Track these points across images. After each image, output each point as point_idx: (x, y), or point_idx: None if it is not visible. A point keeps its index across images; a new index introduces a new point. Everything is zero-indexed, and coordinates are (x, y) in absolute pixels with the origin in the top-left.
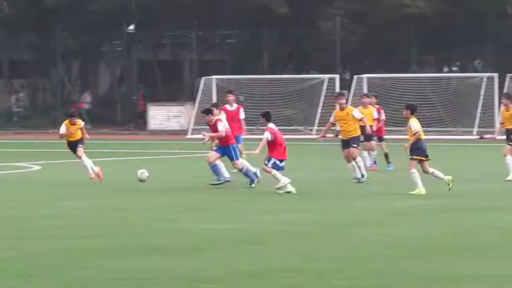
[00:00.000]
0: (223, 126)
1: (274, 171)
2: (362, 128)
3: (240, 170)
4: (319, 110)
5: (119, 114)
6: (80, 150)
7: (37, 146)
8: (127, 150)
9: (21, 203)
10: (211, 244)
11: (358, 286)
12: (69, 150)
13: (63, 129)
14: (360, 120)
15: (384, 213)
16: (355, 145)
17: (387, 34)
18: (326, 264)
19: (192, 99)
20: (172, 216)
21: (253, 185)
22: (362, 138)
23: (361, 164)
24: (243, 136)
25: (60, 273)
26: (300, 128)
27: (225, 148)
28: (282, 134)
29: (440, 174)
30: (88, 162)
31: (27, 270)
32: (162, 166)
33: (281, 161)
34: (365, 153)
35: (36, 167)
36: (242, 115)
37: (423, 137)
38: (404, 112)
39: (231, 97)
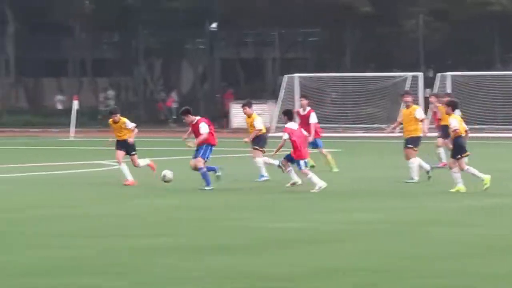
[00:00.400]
0: (206, 127)
1: (311, 174)
2: (444, 127)
3: (199, 169)
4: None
5: (202, 113)
6: (134, 158)
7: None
8: None
9: (93, 201)
10: (278, 243)
11: (433, 285)
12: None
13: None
14: (421, 121)
15: (458, 212)
16: (411, 146)
17: (471, 32)
18: (400, 263)
19: (275, 97)
20: (238, 214)
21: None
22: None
23: (414, 165)
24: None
25: (136, 270)
26: (383, 126)
27: (200, 147)
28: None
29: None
30: (141, 164)
31: (104, 268)
32: (233, 164)
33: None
34: (440, 149)
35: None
36: (312, 119)
37: (463, 134)
38: (445, 109)
39: (303, 101)
